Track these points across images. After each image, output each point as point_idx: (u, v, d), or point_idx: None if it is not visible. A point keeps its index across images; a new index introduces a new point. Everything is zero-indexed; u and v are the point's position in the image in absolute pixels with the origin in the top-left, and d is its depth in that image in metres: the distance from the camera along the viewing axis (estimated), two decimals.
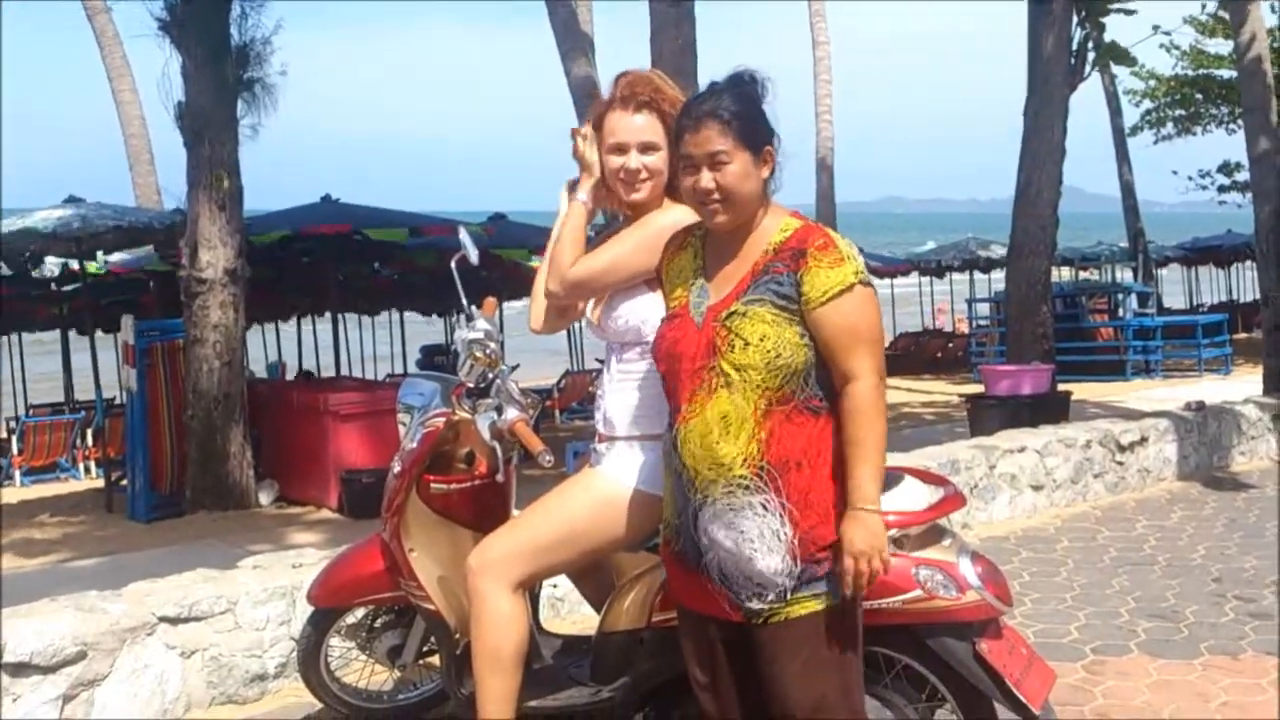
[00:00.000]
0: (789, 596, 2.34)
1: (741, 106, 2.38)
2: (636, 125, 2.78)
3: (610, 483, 2.81)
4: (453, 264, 3.27)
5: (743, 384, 2.33)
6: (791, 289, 2.35)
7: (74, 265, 11.54)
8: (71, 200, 10.55)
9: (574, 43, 10.74)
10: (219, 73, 9.22)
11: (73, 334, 15.01)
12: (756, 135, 2.39)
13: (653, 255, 2.68)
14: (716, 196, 2.38)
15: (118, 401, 12.44)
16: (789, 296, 2.35)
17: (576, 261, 2.82)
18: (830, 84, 20.21)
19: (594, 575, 3.17)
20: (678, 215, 2.72)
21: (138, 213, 11.61)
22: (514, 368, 3.19)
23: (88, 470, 13.16)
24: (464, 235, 3.25)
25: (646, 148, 2.78)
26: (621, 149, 2.79)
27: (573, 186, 2.94)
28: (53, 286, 13.40)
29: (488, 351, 3.06)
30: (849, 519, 2.32)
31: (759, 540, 2.32)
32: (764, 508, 2.32)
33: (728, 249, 2.47)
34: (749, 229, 2.45)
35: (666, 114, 2.76)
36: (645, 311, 2.76)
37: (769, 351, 2.32)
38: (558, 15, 10.82)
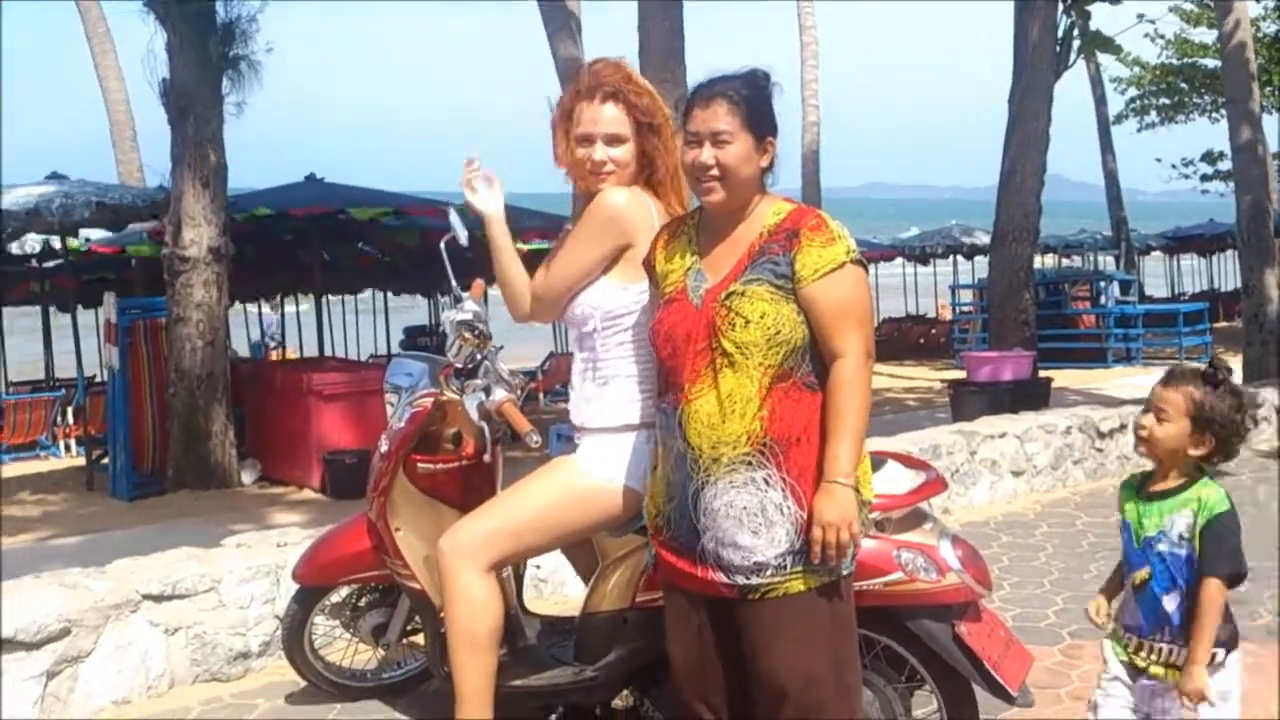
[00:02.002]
0: (787, 571, 2.36)
1: (752, 93, 2.43)
2: (603, 117, 2.77)
3: (584, 474, 2.82)
4: (442, 245, 3.27)
5: (745, 362, 2.35)
6: (787, 268, 2.37)
7: (55, 244, 11.46)
8: (54, 177, 10.46)
9: (561, 22, 10.69)
10: (204, 49, 9.15)
11: (54, 311, 14.89)
12: (761, 123, 2.43)
13: (605, 240, 2.72)
14: (714, 172, 2.40)
15: (98, 379, 12.37)
16: (785, 275, 2.37)
17: (532, 279, 2.86)
18: (817, 69, 20.19)
19: (583, 549, 3.17)
20: (618, 196, 2.73)
21: (121, 189, 11.50)
22: (499, 349, 3.20)
23: (68, 448, 13.07)
24: (454, 217, 3.25)
25: (612, 140, 2.77)
26: (588, 140, 2.78)
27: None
28: (34, 263, 13.29)
29: (476, 332, 3.07)
30: (821, 490, 2.35)
31: (761, 515, 2.35)
32: (766, 482, 2.36)
33: (722, 234, 2.48)
34: (743, 215, 2.47)
35: (633, 105, 2.77)
36: (597, 298, 2.78)
37: (769, 328, 2.34)
38: None
